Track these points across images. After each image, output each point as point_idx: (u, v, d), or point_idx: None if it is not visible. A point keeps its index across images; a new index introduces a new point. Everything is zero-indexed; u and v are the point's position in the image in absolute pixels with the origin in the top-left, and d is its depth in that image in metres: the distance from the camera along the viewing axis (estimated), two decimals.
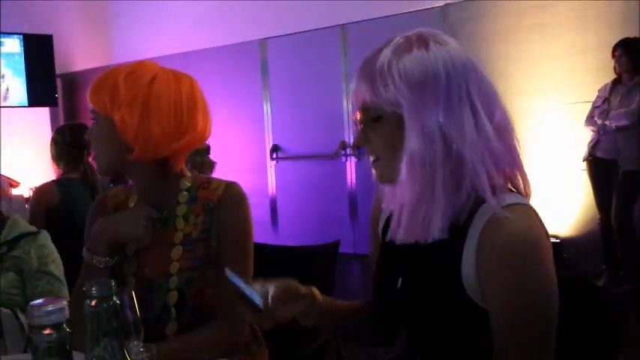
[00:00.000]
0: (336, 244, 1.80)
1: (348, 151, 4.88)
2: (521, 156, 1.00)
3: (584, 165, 3.85)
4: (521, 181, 1.00)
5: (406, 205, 0.97)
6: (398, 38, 0.98)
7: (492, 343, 0.93)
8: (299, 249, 1.94)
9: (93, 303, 0.68)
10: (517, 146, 0.99)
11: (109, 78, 1.27)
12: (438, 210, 0.95)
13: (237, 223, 1.34)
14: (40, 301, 0.62)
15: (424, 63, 0.94)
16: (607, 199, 3.73)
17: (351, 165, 4.92)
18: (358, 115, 1.01)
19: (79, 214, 2.57)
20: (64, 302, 0.62)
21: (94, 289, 0.68)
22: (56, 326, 0.61)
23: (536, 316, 0.92)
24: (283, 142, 5.27)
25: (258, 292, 0.99)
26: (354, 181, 4.93)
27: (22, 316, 1.45)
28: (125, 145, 1.27)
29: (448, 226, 0.95)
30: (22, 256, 1.64)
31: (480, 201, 0.95)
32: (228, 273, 1.01)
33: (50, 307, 0.61)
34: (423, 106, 0.93)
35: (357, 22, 4.72)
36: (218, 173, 2.94)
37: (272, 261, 1.70)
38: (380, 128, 0.98)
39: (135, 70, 1.28)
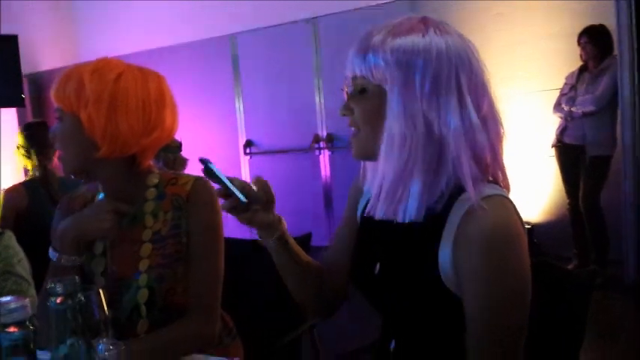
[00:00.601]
0: (308, 236, 1.81)
1: (322, 144, 4.88)
2: (503, 150, 1.01)
3: (552, 151, 3.91)
4: (500, 175, 1.02)
5: (384, 182, 0.98)
6: (401, 19, 0.99)
7: (466, 332, 0.95)
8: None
9: (58, 300, 0.68)
10: (501, 140, 1.00)
11: (74, 75, 1.25)
12: (414, 190, 0.96)
13: (206, 219, 1.33)
14: (3, 299, 0.62)
15: (417, 46, 0.94)
16: (575, 184, 3.80)
17: (324, 158, 4.93)
18: (346, 87, 1.03)
19: (49, 215, 2.55)
20: (27, 300, 0.62)
21: (58, 286, 0.67)
22: (19, 324, 0.60)
23: (510, 306, 0.93)
24: (256, 137, 5.25)
25: (238, 186, 1.01)
26: (328, 174, 4.94)
27: None
28: (92, 143, 1.26)
29: (425, 209, 0.97)
30: None
31: (458, 189, 0.96)
32: (212, 166, 1.00)
33: (13, 305, 0.60)
34: (407, 86, 0.94)
35: (328, 15, 4.72)
36: (191, 170, 2.93)
37: (244, 255, 1.70)
38: (364, 101, 1.00)
39: (100, 67, 1.27)
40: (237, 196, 1.00)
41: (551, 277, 1.20)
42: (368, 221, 1.11)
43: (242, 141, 5.25)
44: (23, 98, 5.56)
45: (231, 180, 1.01)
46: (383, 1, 4.44)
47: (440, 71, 0.94)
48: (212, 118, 5.35)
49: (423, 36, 0.95)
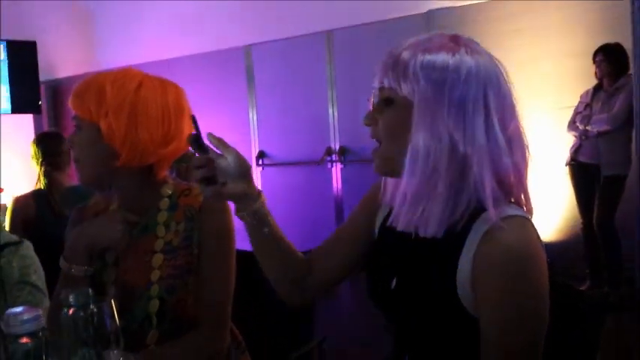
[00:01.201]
0: None
1: (334, 157, 4.89)
2: (528, 174, 1.00)
3: (566, 169, 3.88)
4: (523, 198, 1.01)
5: (407, 195, 0.98)
6: (431, 35, 1.00)
7: (481, 352, 0.94)
8: None
9: (70, 312, 0.68)
10: (526, 164, 1.00)
11: (94, 84, 1.27)
12: (437, 206, 0.95)
13: (218, 231, 1.33)
14: (15, 310, 0.62)
15: (447, 63, 0.94)
16: (589, 203, 3.77)
17: (336, 171, 4.93)
18: (372, 97, 1.02)
19: (52, 225, 2.56)
20: (40, 311, 0.62)
21: (71, 297, 0.68)
22: (32, 335, 0.61)
23: (527, 327, 0.92)
24: (269, 148, 5.26)
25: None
26: (340, 187, 4.94)
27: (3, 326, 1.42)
28: (110, 152, 1.27)
29: (446, 226, 0.96)
30: (4, 266, 1.62)
31: (479, 209, 0.95)
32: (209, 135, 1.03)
33: (26, 316, 0.60)
34: (436, 102, 0.94)
35: (343, 28, 4.74)
36: None
37: (256, 267, 1.70)
38: (389, 112, 0.99)
39: (120, 77, 1.28)
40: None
41: (565, 298, 1.19)
42: (387, 234, 1.11)
43: (255, 152, 5.26)
44: (40, 105, 5.62)
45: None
46: (397, 16, 4.45)
47: (468, 90, 0.94)
48: (225, 129, 5.36)
49: (454, 54, 0.95)
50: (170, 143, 1.29)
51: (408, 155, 0.96)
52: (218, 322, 1.32)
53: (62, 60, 6.36)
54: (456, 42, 0.97)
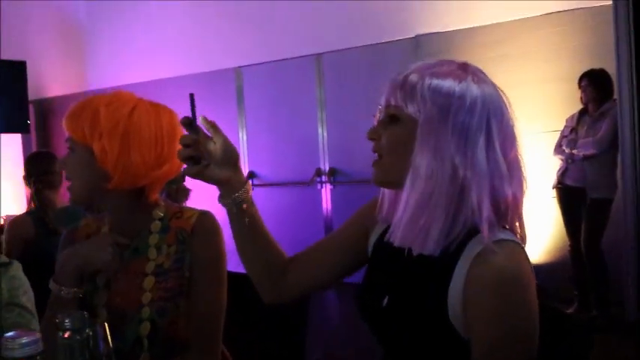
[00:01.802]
0: None
1: (324, 178, 4.91)
2: (524, 203, 1.03)
3: (553, 192, 3.93)
4: (517, 226, 1.03)
5: (407, 211, 1.00)
6: (441, 61, 1.03)
7: None
8: None
9: (66, 335, 0.68)
10: (523, 192, 1.03)
11: (88, 107, 1.28)
12: (436, 223, 0.97)
13: (210, 253, 1.34)
14: (13, 333, 0.62)
15: (453, 90, 0.97)
16: (576, 226, 3.80)
17: (326, 192, 4.95)
18: (378, 114, 1.05)
19: (50, 244, 2.55)
20: (38, 334, 0.62)
21: (67, 321, 0.68)
22: (30, 358, 0.61)
23: (517, 350, 0.93)
24: (259, 168, 5.28)
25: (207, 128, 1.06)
26: (329, 207, 4.95)
27: None
28: (103, 174, 1.27)
29: (442, 246, 0.98)
30: None
31: (473, 231, 0.97)
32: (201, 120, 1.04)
33: (25, 340, 0.60)
34: (440, 125, 0.97)
35: (332, 51, 4.80)
36: (193, 200, 2.93)
37: (248, 289, 1.70)
38: (393, 128, 1.02)
39: (114, 100, 1.29)
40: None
41: (552, 321, 1.20)
42: (381, 252, 1.12)
43: (244, 172, 5.27)
44: (29, 124, 5.60)
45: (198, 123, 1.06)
46: (386, 40, 4.51)
47: (472, 118, 0.97)
48: None
49: (460, 82, 0.98)
50: (162, 166, 1.30)
51: (410, 172, 0.99)
52: (209, 344, 1.31)
53: (51, 79, 6.36)
54: (464, 70, 1.01)
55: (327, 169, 4.89)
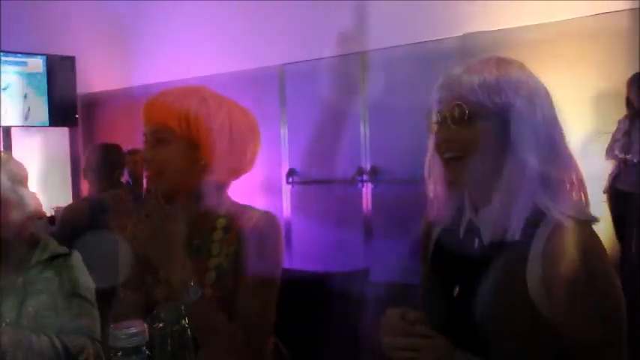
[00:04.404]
0: (365, 272, 1.80)
1: (365, 177, 4.88)
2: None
3: (604, 197, 3.83)
4: (583, 198, 1.06)
5: (502, 204, 1.01)
6: (494, 57, 1.06)
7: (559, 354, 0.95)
8: (326, 276, 1.93)
9: (160, 325, 0.69)
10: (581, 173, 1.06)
11: (188, 99, 1.27)
12: (524, 210, 1.00)
13: (268, 254, 1.33)
14: (122, 323, 0.63)
15: (527, 79, 1.02)
16: (628, 232, 3.71)
17: (367, 191, 4.92)
18: (448, 113, 1.04)
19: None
20: (145, 325, 0.63)
21: (162, 313, 0.69)
22: (137, 349, 0.61)
23: (610, 323, 0.94)
24: (300, 166, 5.28)
25: None
26: (369, 207, 4.92)
27: (56, 341, 1.41)
28: (201, 168, 1.28)
29: (521, 228, 1.00)
30: (55, 277, 1.63)
31: (541, 213, 1.00)
32: None
33: (133, 330, 0.61)
34: (530, 113, 1.00)
35: (377, 49, 4.77)
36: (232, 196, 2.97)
37: (295, 287, 1.69)
38: (475, 126, 1.02)
39: (213, 95, 1.31)
40: None
41: None
42: (446, 245, 1.13)
43: (285, 169, 5.29)
44: (76, 118, 5.73)
45: None
46: (432, 39, 4.47)
47: (551, 106, 1.03)
48: None
49: (526, 73, 1.03)
50: (251, 163, 1.33)
51: (511, 162, 1.00)
52: (258, 342, 1.31)
53: (99, 75, 6.49)
54: (521, 65, 1.05)
55: (369, 167, 4.87)
